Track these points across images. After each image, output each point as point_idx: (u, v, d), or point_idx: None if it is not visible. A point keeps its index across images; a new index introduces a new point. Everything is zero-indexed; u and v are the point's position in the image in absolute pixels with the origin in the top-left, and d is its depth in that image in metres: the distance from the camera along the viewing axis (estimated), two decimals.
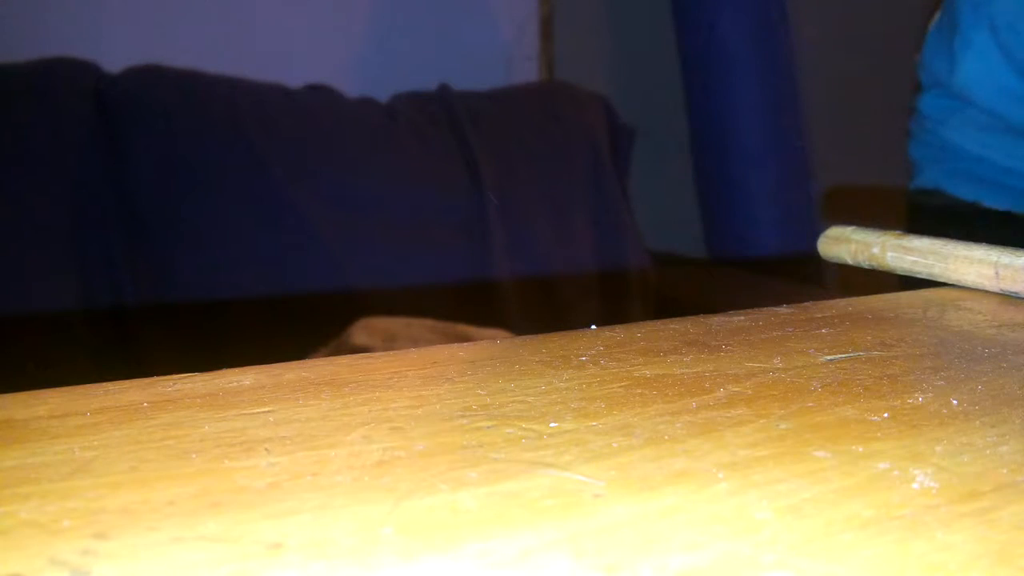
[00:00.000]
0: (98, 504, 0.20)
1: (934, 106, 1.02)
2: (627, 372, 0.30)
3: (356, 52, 1.74)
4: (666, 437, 0.25)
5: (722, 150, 1.93)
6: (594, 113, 1.73)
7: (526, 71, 1.91)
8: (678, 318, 0.37)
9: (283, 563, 0.18)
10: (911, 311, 0.40)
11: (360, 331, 1.22)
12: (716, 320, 0.37)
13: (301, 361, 0.31)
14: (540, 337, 0.35)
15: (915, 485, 0.22)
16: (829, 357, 0.33)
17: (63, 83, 1.34)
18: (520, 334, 0.37)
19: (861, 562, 0.19)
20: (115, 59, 1.39)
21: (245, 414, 0.26)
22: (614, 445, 0.24)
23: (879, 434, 0.25)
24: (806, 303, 0.41)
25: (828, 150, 2.05)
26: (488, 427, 0.25)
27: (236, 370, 0.30)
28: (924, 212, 1.04)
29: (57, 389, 0.28)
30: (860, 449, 0.24)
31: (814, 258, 0.54)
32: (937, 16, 1.04)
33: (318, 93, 1.52)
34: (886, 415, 0.27)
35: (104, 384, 0.28)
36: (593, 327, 0.36)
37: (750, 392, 0.29)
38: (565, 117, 1.69)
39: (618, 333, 0.35)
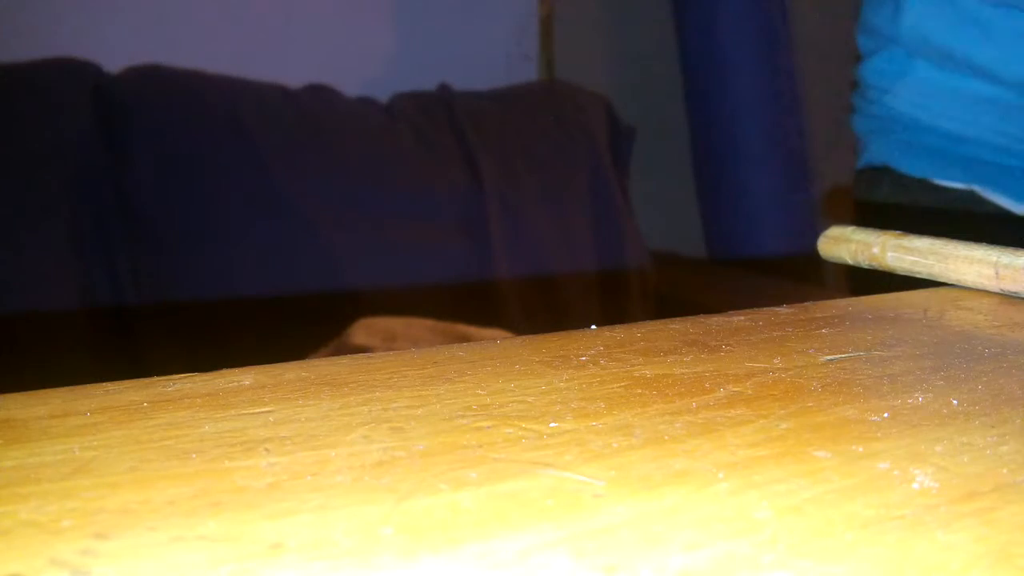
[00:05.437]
0: (98, 504, 0.20)
1: (877, 72, 0.93)
2: (627, 372, 0.30)
3: (356, 52, 1.74)
4: (666, 437, 0.25)
5: (722, 150, 1.93)
6: (594, 113, 1.73)
7: (526, 71, 1.91)
8: (678, 318, 0.37)
9: (283, 563, 0.18)
10: (911, 311, 0.40)
11: (360, 331, 1.22)
12: (716, 320, 0.37)
13: (301, 361, 0.31)
14: (540, 337, 0.35)
15: (915, 485, 0.22)
16: (829, 357, 0.33)
17: (63, 83, 1.34)
18: (520, 334, 0.37)
19: (861, 562, 0.19)
20: (115, 59, 1.39)
21: (245, 414, 0.26)
22: (614, 445, 0.24)
23: (879, 434, 0.25)
24: (806, 303, 0.41)
25: (828, 150, 2.05)
26: (488, 427, 0.25)
27: (236, 370, 0.30)
28: (870, 200, 0.96)
29: (57, 389, 0.28)
30: (860, 449, 0.24)
31: (814, 258, 0.54)
32: None
33: (318, 93, 1.52)
34: (886, 415, 0.27)
35: (104, 384, 0.28)
36: (593, 327, 0.36)
37: (750, 392, 0.29)
38: (565, 117, 1.69)
39: (618, 333, 0.35)
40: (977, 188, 0.87)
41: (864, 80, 0.95)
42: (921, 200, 0.90)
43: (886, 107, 0.92)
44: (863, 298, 0.42)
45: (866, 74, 0.95)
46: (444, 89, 1.63)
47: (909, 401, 0.28)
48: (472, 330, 1.26)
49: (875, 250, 0.47)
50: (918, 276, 0.46)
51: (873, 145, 0.95)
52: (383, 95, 1.59)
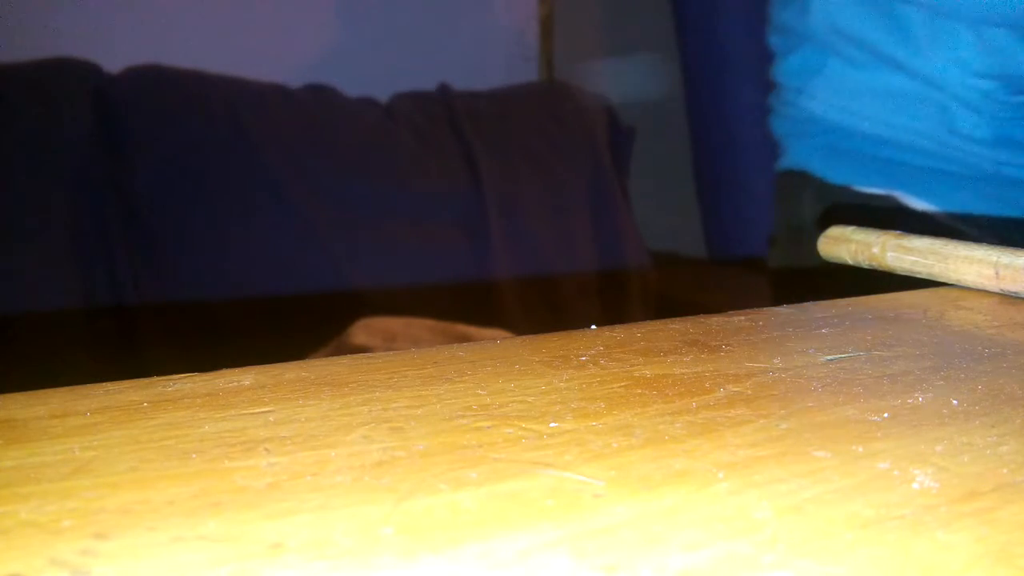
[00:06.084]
0: (98, 504, 0.20)
1: (790, 72, 0.89)
2: (627, 372, 0.30)
3: (356, 52, 1.74)
4: (666, 437, 0.25)
5: (722, 150, 1.93)
6: (594, 113, 1.73)
7: (526, 71, 1.91)
8: (678, 318, 0.37)
9: (283, 563, 0.18)
10: (911, 311, 0.40)
11: (360, 331, 1.22)
12: (716, 320, 0.37)
13: (301, 361, 0.31)
14: (540, 337, 0.35)
15: (915, 485, 0.22)
16: (829, 357, 0.33)
17: (63, 83, 1.34)
18: (520, 334, 0.37)
19: (861, 562, 0.19)
20: (115, 59, 1.39)
21: (245, 414, 0.26)
22: (614, 445, 0.24)
23: (879, 434, 0.25)
24: (806, 303, 0.41)
25: None
26: (488, 427, 0.25)
27: (236, 370, 0.30)
28: (792, 206, 0.91)
29: (57, 389, 0.28)
30: (860, 449, 0.24)
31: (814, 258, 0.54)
32: None
33: (318, 93, 1.52)
34: (886, 415, 0.27)
35: (104, 384, 0.28)
36: (593, 327, 0.36)
37: (750, 392, 0.29)
38: (565, 117, 1.69)
39: (618, 333, 0.35)
40: (897, 194, 0.84)
41: (778, 81, 0.92)
42: (842, 207, 0.87)
43: (801, 108, 0.89)
44: (863, 298, 0.42)
45: (779, 75, 0.92)
46: (444, 89, 1.63)
47: (909, 401, 0.28)
48: (472, 330, 1.26)
49: (875, 250, 0.47)
50: (918, 276, 0.46)
51: (791, 148, 0.92)
52: (383, 95, 1.59)
